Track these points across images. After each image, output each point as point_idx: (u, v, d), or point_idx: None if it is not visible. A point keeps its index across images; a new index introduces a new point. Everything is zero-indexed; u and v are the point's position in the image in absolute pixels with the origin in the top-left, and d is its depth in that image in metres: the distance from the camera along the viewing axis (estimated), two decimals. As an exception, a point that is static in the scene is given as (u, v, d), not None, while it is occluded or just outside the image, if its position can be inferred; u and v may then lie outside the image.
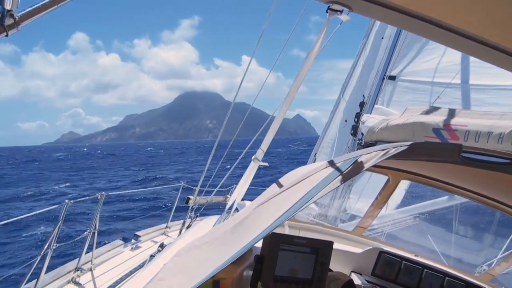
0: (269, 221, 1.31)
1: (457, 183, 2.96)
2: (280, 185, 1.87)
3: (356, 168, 1.35)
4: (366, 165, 1.34)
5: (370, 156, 1.37)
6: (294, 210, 1.27)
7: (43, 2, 0.97)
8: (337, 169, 1.37)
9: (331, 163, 1.46)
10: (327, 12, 2.18)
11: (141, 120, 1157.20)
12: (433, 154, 1.54)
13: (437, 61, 5.41)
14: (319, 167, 1.49)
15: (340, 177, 1.32)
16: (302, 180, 1.48)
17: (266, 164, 3.40)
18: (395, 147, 1.36)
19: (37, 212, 4.63)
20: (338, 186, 1.34)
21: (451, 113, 3.34)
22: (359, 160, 1.37)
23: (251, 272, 2.08)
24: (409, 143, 1.37)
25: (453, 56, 5.18)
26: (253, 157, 3.39)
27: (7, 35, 0.94)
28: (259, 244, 2.08)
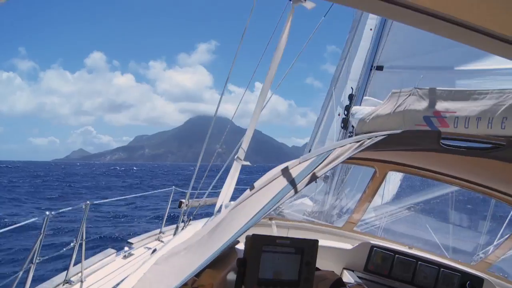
0: (243, 222, 1.27)
1: (443, 171, 2.91)
2: (255, 187, 1.82)
3: (331, 162, 1.30)
4: (341, 158, 1.29)
5: (344, 149, 1.33)
6: (268, 209, 1.23)
7: None
8: (310, 164, 1.33)
9: (303, 160, 1.42)
10: (290, 0, 2.14)
11: (151, 142, 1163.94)
12: (411, 143, 1.50)
13: (424, 49, 5.38)
14: (291, 164, 1.46)
15: (313, 172, 1.27)
16: (275, 179, 1.44)
17: (248, 163, 3.35)
18: (369, 138, 1.31)
19: (16, 225, 4.35)
20: (314, 180, 1.29)
21: (436, 94, 3.30)
22: (333, 153, 1.33)
23: (234, 276, 2.00)
24: (385, 133, 1.33)
25: (441, 42, 5.14)
26: (235, 157, 3.34)
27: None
28: (243, 247, 2.01)
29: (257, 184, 1.79)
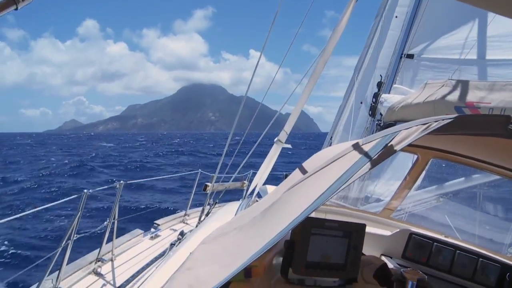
0: (303, 205, 1.22)
1: (489, 160, 2.80)
2: (307, 169, 1.79)
3: (395, 145, 1.24)
4: (406, 141, 1.24)
5: (410, 132, 1.26)
6: (330, 193, 1.19)
7: None
8: (373, 147, 1.27)
9: (365, 141, 1.37)
10: None
11: (144, 111, 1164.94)
12: (479, 127, 1.42)
13: (457, 37, 5.28)
14: (352, 146, 1.40)
15: (377, 156, 1.22)
16: (334, 161, 1.39)
17: (289, 146, 3.35)
18: (437, 121, 1.25)
19: (56, 203, 4.42)
20: (376, 165, 1.24)
21: (470, 86, 3.25)
22: (398, 136, 1.27)
23: (281, 259, 2.00)
24: (453, 115, 1.27)
25: (473, 31, 5.06)
26: (275, 139, 3.34)
27: (16, 9, 0.88)
28: None
29: (309, 165, 1.76)
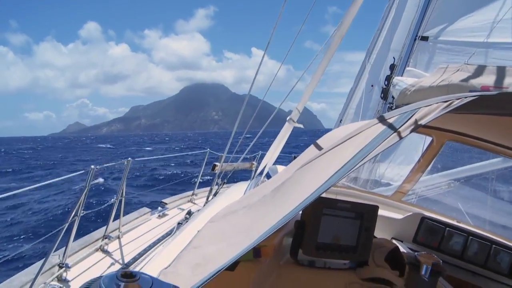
0: (316, 184, 1.16)
1: (507, 144, 2.71)
2: (320, 147, 1.72)
3: (414, 123, 1.17)
4: (426, 119, 1.16)
5: (431, 109, 1.18)
6: (345, 171, 1.14)
7: None
8: (391, 125, 1.20)
9: (383, 119, 1.29)
10: None
11: (147, 112, 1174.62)
12: (504, 106, 1.32)
13: (473, 19, 5.13)
14: (368, 123, 1.33)
15: (395, 134, 1.16)
16: (349, 139, 1.32)
17: (301, 125, 3.27)
18: (459, 98, 1.16)
19: (63, 177, 4.43)
20: (394, 144, 1.17)
21: (487, 70, 3.17)
22: (418, 113, 1.19)
23: (290, 240, 1.95)
24: (478, 93, 1.18)
25: (491, 13, 4.90)
26: (288, 118, 3.22)
27: None
28: None
29: (322, 144, 1.70)
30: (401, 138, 1.18)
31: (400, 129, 1.17)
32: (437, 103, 1.20)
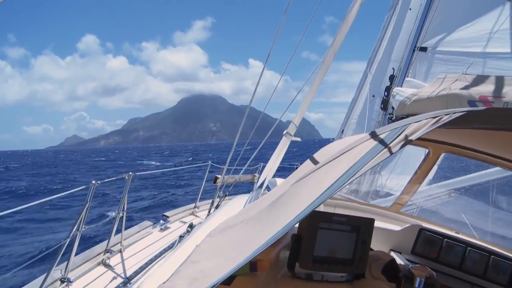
0: (310, 198, 1.18)
1: (510, 157, 2.70)
2: (316, 161, 1.75)
3: (405, 139, 1.21)
4: (416, 135, 1.20)
5: (420, 125, 1.22)
6: (338, 186, 1.16)
7: None
8: (382, 140, 1.23)
9: (374, 135, 1.32)
10: None
11: (145, 124, 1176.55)
12: (492, 121, 1.35)
13: (471, 30, 5.19)
14: (361, 139, 1.36)
15: (386, 149, 1.19)
16: (343, 153, 1.35)
17: (299, 139, 3.31)
18: (447, 114, 1.20)
19: (64, 193, 4.40)
20: (385, 159, 1.21)
21: (485, 80, 3.19)
22: (407, 129, 1.23)
23: (287, 253, 1.95)
24: (466, 109, 1.21)
25: (488, 23, 4.96)
26: (284, 132, 3.28)
27: None
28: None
29: (318, 158, 1.73)
30: (391, 153, 1.21)
31: (390, 145, 1.21)
32: (427, 118, 1.23)
